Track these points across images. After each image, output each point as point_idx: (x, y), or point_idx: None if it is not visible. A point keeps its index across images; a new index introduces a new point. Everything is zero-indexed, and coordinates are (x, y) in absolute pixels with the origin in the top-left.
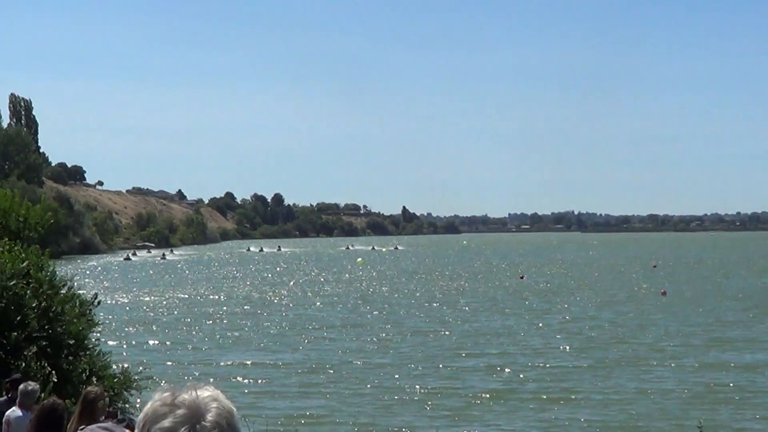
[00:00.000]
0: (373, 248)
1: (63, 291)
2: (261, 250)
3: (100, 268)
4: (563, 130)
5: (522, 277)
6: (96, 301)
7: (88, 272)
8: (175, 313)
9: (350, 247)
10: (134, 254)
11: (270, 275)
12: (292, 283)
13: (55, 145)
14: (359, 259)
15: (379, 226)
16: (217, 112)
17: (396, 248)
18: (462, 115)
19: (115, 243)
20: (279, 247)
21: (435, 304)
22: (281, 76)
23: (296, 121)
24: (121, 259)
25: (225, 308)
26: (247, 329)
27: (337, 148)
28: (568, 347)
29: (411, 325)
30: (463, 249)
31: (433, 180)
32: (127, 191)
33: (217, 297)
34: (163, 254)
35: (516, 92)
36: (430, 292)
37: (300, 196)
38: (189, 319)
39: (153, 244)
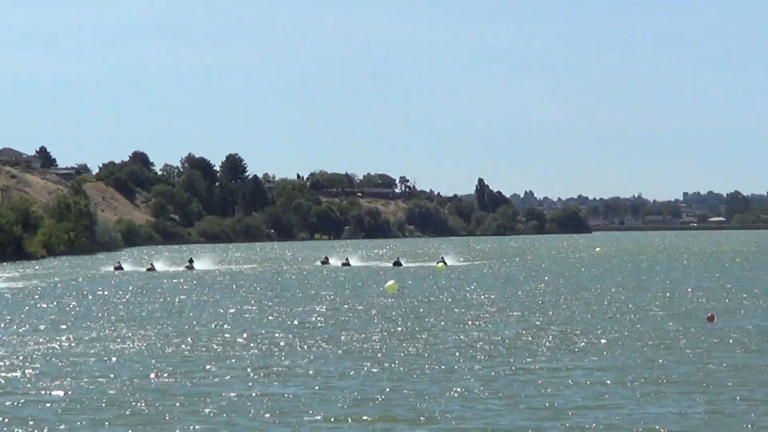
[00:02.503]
0: (397, 262)
1: None
2: (151, 268)
3: None
4: None
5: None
6: None
7: None
8: None
9: (325, 262)
10: None
11: None
12: None
13: None
14: (390, 283)
15: (429, 217)
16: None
17: (466, 254)
18: None
19: None
20: (191, 260)
21: None
22: None
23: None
24: None
25: None
26: None
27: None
28: None
29: None
30: (598, 264)
31: (532, 135)
32: None
33: None
34: None
35: None
36: None
37: (278, 162)
38: None
39: None
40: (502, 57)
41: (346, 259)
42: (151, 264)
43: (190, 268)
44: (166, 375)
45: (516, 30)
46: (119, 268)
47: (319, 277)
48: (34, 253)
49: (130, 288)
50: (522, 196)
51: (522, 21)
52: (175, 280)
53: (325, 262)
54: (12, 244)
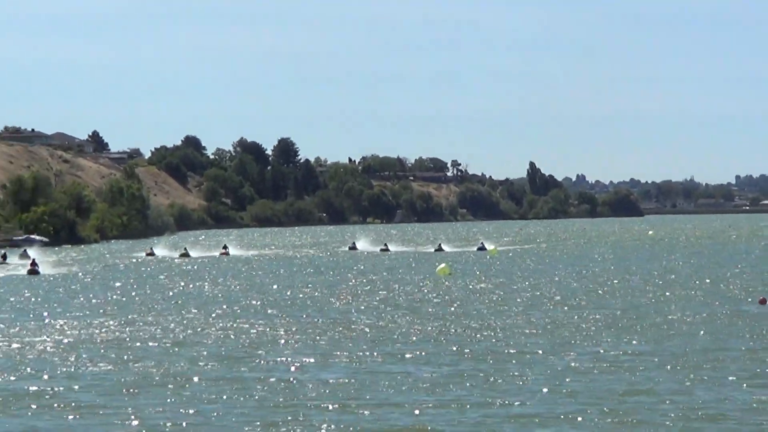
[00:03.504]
0: (439, 248)
1: None
2: (185, 253)
3: None
4: None
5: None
6: None
7: None
8: None
9: (353, 247)
10: (2, 259)
11: None
12: None
13: None
14: (442, 266)
15: (481, 200)
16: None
17: (518, 236)
18: None
19: None
20: (225, 246)
21: None
22: None
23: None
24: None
25: None
26: None
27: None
28: None
29: None
30: (653, 247)
31: (583, 118)
32: None
33: None
34: (33, 262)
35: None
36: None
37: (330, 145)
38: None
39: (45, 238)
40: (553, 41)
41: (385, 244)
42: (185, 249)
43: (225, 254)
44: (218, 361)
45: (566, 15)
46: (151, 254)
47: (373, 261)
48: (87, 237)
49: (161, 275)
50: (574, 179)
51: (570, 5)
52: (202, 266)
53: (353, 247)
54: (65, 228)
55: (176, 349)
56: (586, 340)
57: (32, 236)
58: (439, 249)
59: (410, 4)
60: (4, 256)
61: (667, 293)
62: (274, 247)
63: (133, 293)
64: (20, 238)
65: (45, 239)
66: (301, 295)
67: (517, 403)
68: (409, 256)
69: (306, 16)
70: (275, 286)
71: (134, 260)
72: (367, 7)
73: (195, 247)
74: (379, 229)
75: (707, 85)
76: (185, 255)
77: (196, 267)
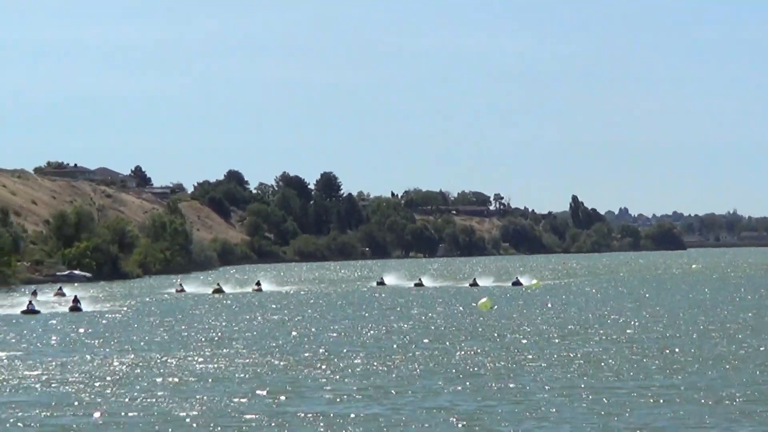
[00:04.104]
0: (474, 283)
1: None
2: (218, 289)
3: None
4: None
5: None
6: None
7: None
8: None
9: (381, 283)
10: (61, 293)
11: None
12: None
13: None
14: (483, 300)
15: (524, 234)
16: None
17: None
18: None
19: (15, 271)
20: (258, 282)
21: None
22: None
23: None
24: (19, 311)
25: None
26: None
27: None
28: None
29: None
30: (696, 282)
31: (626, 152)
32: (37, 170)
33: None
34: (74, 299)
35: None
36: None
37: (372, 180)
38: None
39: (88, 273)
40: (597, 73)
41: (419, 279)
42: (218, 285)
43: (258, 290)
44: (269, 394)
45: (610, 47)
46: (181, 290)
47: (410, 296)
48: (130, 273)
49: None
50: (616, 212)
51: (612, 37)
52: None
53: (381, 283)
54: (108, 263)
55: (219, 385)
56: (632, 372)
57: (75, 271)
58: (474, 284)
59: (452, 38)
60: (35, 293)
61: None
62: (310, 282)
63: (170, 330)
64: (63, 273)
65: (88, 274)
66: (334, 330)
67: None
68: (444, 291)
69: (349, 49)
70: (299, 322)
71: (165, 297)
72: (410, 40)
73: (229, 283)
74: (421, 263)
75: (751, 117)
76: (219, 291)
77: (229, 302)
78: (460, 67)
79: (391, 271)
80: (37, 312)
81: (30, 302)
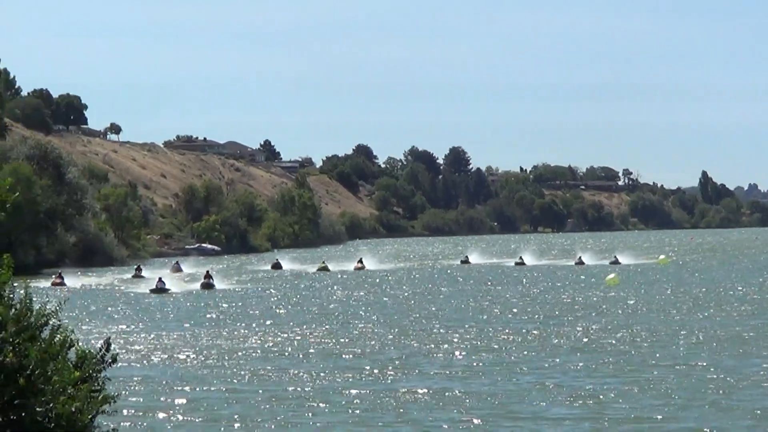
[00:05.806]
0: (580, 261)
1: (45, 335)
2: (324, 267)
3: (109, 297)
4: None
5: None
6: (109, 355)
7: (90, 304)
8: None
9: (465, 261)
10: (177, 269)
11: None
12: None
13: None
14: (611, 276)
15: (653, 209)
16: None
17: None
18: None
19: (144, 245)
20: (360, 260)
21: None
22: None
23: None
24: (149, 289)
25: None
26: None
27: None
28: None
29: None
30: None
31: (755, 126)
32: (167, 144)
33: None
34: (207, 274)
35: None
36: None
37: (501, 154)
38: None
39: (217, 247)
40: (725, 51)
41: (520, 257)
42: (323, 262)
43: (360, 268)
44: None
45: (736, 23)
46: (277, 265)
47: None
48: (259, 246)
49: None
50: (746, 188)
51: (741, 16)
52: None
53: (466, 261)
54: (237, 236)
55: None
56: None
57: (204, 245)
58: (580, 262)
59: (582, 16)
60: (139, 269)
61: None
62: (409, 259)
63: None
64: (192, 246)
65: (217, 248)
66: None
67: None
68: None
69: (479, 27)
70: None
71: (261, 273)
72: (541, 19)
73: (332, 260)
74: (549, 238)
75: None
76: (324, 269)
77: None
78: (589, 44)
79: (475, 250)
80: (167, 290)
81: (160, 278)
